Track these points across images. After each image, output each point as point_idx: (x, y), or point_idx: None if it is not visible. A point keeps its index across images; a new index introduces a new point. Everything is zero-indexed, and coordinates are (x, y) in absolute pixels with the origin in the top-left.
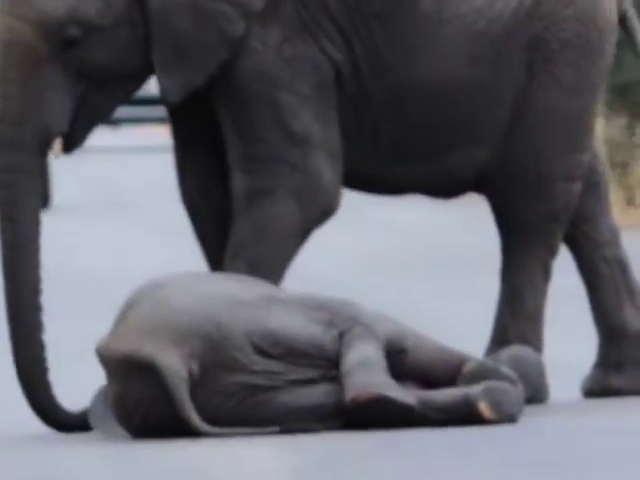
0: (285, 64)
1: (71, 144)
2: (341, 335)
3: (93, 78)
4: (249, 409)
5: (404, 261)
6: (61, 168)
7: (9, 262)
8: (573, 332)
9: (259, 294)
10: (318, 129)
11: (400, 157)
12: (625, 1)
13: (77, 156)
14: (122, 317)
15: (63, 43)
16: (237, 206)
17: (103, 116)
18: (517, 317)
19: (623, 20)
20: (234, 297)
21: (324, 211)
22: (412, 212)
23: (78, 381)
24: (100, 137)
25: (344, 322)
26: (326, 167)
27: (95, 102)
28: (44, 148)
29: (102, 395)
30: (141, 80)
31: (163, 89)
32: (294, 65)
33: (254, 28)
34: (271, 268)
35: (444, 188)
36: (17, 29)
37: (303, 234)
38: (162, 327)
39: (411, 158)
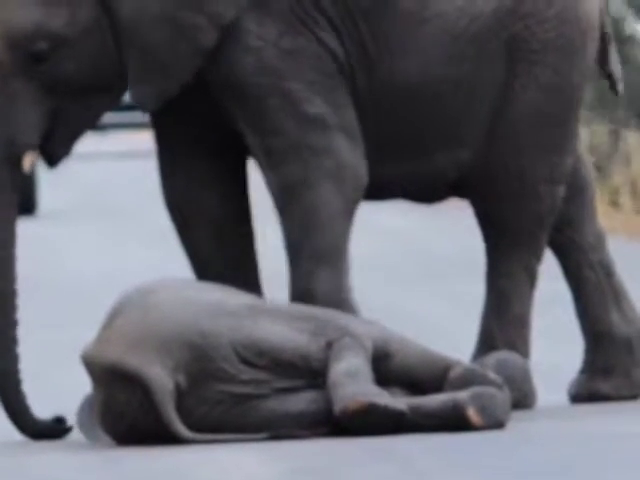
0: (287, 55)
1: (53, 157)
2: (329, 345)
3: (65, 91)
4: (236, 416)
5: (390, 265)
6: (47, 174)
7: None
8: (560, 337)
9: (244, 303)
10: (330, 111)
11: (383, 157)
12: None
13: (63, 162)
14: (108, 324)
15: (31, 57)
16: (278, 204)
17: (84, 127)
18: (503, 322)
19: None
20: (220, 307)
21: (357, 187)
22: (398, 216)
23: (64, 387)
24: (86, 143)
25: (332, 332)
26: (346, 146)
27: (72, 114)
28: (13, 161)
29: (88, 402)
30: (118, 90)
31: (137, 99)
32: (296, 56)
33: (250, 26)
34: (334, 255)
35: (426, 191)
36: None
37: (349, 214)
38: (148, 337)
39: (395, 158)
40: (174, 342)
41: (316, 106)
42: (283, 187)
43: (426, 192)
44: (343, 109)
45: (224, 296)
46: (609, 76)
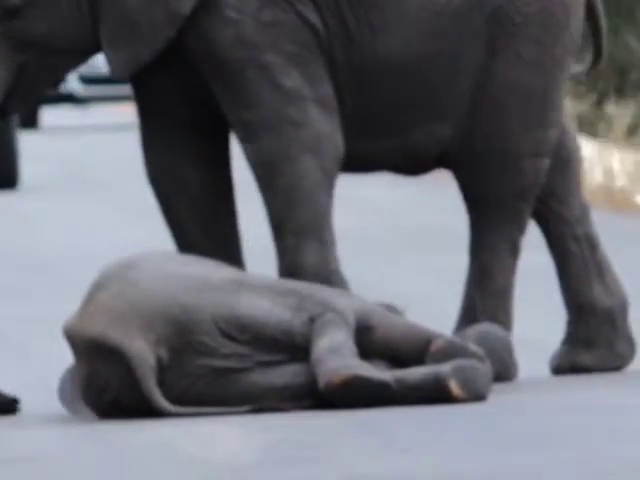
0: (266, 28)
1: (3, 114)
2: (311, 320)
3: (34, 50)
4: (218, 390)
5: (371, 238)
6: (28, 147)
7: None
8: (542, 309)
9: (227, 278)
10: (308, 83)
11: (365, 132)
12: None
13: (45, 135)
14: (90, 297)
15: (4, 12)
16: (258, 178)
17: (45, 87)
18: (486, 295)
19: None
20: (202, 281)
21: (336, 158)
22: (379, 189)
23: (46, 360)
24: (69, 116)
25: (314, 307)
26: (323, 117)
27: (34, 75)
28: None
29: (70, 376)
30: (83, 55)
31: (111, 64)
32: (275, 28)
33: None
34: (318, 227)
35: (410, 164)
36: None
37: (329, 185)
38: (130, 311)
39: (376, 133)
40: (156, 316)
41: (293, 79)
42: (263, 161)
43: (409, 165)
44: (320, 81)
45: (207, 270)
46: (597, 49)
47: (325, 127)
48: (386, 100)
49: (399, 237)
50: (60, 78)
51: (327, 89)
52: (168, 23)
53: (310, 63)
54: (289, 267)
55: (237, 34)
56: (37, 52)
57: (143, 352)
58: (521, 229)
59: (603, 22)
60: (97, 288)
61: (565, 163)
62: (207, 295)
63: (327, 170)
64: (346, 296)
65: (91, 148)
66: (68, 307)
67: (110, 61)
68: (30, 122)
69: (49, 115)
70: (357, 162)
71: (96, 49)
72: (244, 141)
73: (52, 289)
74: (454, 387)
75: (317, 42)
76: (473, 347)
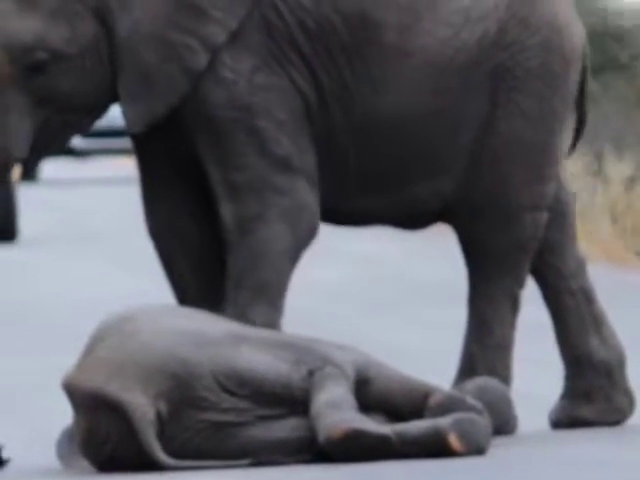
0: (259, 91)
1: (25, 172)
2: (310, 374)
3: (55, 106)
4: (218, 444)
5: (370, 292)
6: (28, 200)
7: None
8: (541, 363)
9: (226, 332)
10: (296, 153)
11: (367, 189)
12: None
13: (44, 188)
14: (89, 351)
15: (29, 68)
16: (230, 236)
17: (58, 146)
18: (485, 348)
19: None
20: (201, 334)
21: (311, 230)
22: (379, 243)
23: (42, 414)
24: (67, 169)
25: (313, 361)
26: (307, 189)
27: (53, 131)
28: (4, 172)
29: (68, 433)
30: (100, 112)
31: (128, 119)
32: (267, 92)
33: (225, 58)
34: (274, 291)
35: (410, 219)
36: None
37: (296, 255)
38: (129, 364)
39: (378, 190)
40: (155, 370)
41: (283, 147)
42: (237, 220)
43: (409, 219)
44: (306, 153)
45: (205, 324)
46: (580, 109)
47: (308, 199)
48: (388, 156)
49: (399, 291)
50: (78, 133)
51: (312, 161)
52: (183, 78)
53: (300, 133)
54: (235, 318)
55: (229, 94)
56: (59, 108)
57: (142, 406)
58: (520, 283)
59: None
60: (96, 341)
61: (561, 216)
62: (206, 350)
63: (299, 240)
64: (345, 349)
65: (90, 201)
66: (67, 360)
67: (126, 114)
68: (30, 175)
69: (49, 168)
70: (358, 217)
71: (108, 105)
72: (224, 199)
73: (51, 341)
74: (454, 441)
75: (306, 109)
76: (472, 401)
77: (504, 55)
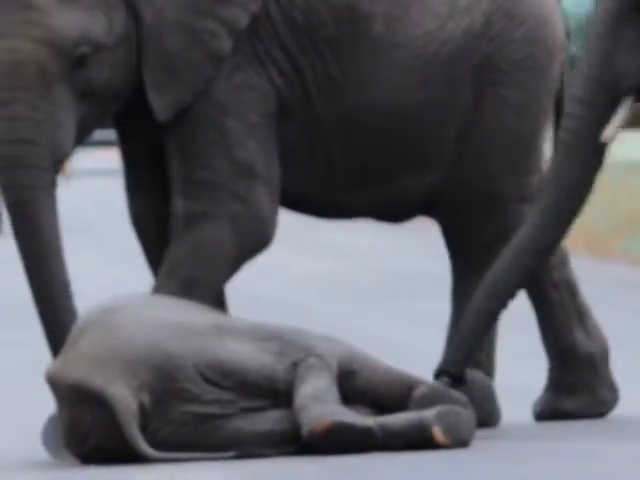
0: (235, 91)
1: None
2: (294, 365)
3: (94, 99)
4: (201, 436)
5: (356, 284)
6: None
7: (34, 275)
8: (523, 354)
9: (210, 323)
10: (262, 160)
11: (353, 182)
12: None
13: None
14: (72, 344)
15: (74, 62)
16: (175, 227)
17: (86, 137)
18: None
19: None
20: (184, 326)
21: (259, 242)
22: (364, 235)
23: (30, 406)
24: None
25: (297, 352)
26: (266, 199)
27: (89, 125)
28: (57, 166)
29: (52, 422)
30: (124, 102)
31: (156, 107)
32: (243, 93)
33: None
34: (203, 290)
35: (395, 211)
36: (26, 49)
37: (237, 262)
38: (112, 357)
39: (363, 182)
40: (138, 362)
41: (248, 152)
42: (186, 214)
43: (394, 213)
44: (271, 161)
45: (188, 315)
46: (559, 99)
47: (264, 211)
48: (374, 149)
49: (384, 283)
50: (100, 124)
51: (276, 171)
52: (208, 64)
53: (267, 140)
54: None
55: (206, 91)
56: (97, 101)
57: (125, 398)
58: None
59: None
60: (79, 334)
61: None
62: (189, 341)
63: (242, 249)
64: (329, 341)
65: (76, 193)
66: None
67: (155, 104)
68: None
69: None
70: (343, 210)
71: (133, 94)
72: (179, 194)
73: (35, 334)
74: (437, 433)
75: (288, 106)
76: (456, 393)
77: (489, 47)
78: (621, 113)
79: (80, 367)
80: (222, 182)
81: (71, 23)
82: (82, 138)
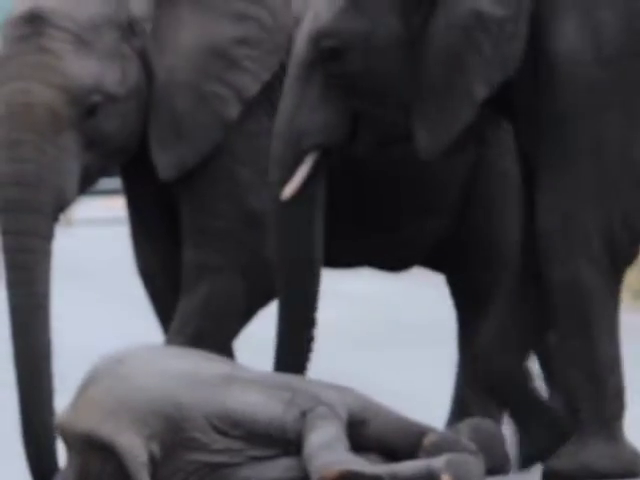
0: (248, 139)
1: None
2: (303, 414)
3: (99, 150)
4: None
5: (364, 332)
6: None
7: (21, 326)
8: None
9: (220, 373)
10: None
11: (357, 231)
12: None
13: None
14: (81, 393)
15: (85, 110)
16: (186, 279)
17: (89, 187)
18: (476, 388)
19: None
20: (194, 376)
21: (269, 292)
22: (373, 283)
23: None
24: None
25: (307, 401)
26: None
27: (91, 175)
28: (58, 214)
29: (64, 473)
30: (128, 156)
31: (158, 165)
32: (257, 140)
33: None
34: (212, 345)
35: (398, 260)
36: (37, 93)
37: (247, 314)
38: (122, 406)
39: (368, 231)
40: (148, 412)
41: (261, 201)
42: (197, 266)
43: (396, 261)
44: None
45: (198, 365)
46: None
47: (274, 262)
48: (383, 199)
49: (393, 331)
50: (101, 177)
51: None
52: (215, 128)
53: None
54: None
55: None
56: (102, 151)
57: (135, 448)
58: None
59: None
60: (89, 383)
61: None
62: (199, 391)
63: (252, 301)
64: (339, 390)
65: (82, 241)
66: (58, 400)
67: (158, 162)
68: None
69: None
70: (345, 258)
71: (136, 149)
72: (189, 244)
73: None
74: None
75: None
76: (465, 441)
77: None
78: (303, 169)
79: (90, 416)
80: (233, 231)
81: (86, 71)
82: (83, 188)
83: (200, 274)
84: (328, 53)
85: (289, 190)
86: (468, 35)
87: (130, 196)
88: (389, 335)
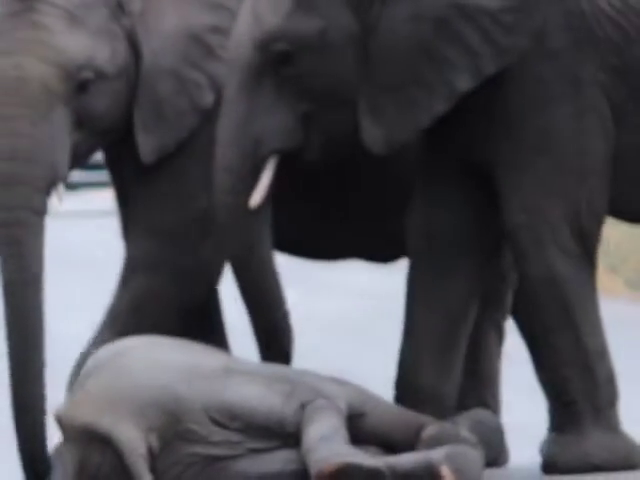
0: (209, 140)
1: None
2: (302, 406)
3: (89, 128)
4: (210, 477)
5: (358, 324)
6: None
7: (13, 301)
8: (531, 394)
9: (219, 365)
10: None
11: (347, 221)
12: None
13: None
14: (81, 385)
15: (77, 86)
16: (122, 272)
17: (77, 166)
18: (473, 380)
19: None
20: (193, 368)
21: (200, 295)
22: (364, 275)
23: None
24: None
25: (306, 394)
26: (217, 254)
27: (79, 154)
28: (51, 189)
29: (60, 461)
30: (116, 136)
31: (142, 149)
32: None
33: None
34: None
35: (386, 251)
36: (32, 68)
37: (180, 314)
38: (121, 399)
39: (358, 222)
40: (147, 405)
41: (210, 202)
42: (135, 260)
43: (385, 253)
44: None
45: (197, 357)
46: None
47: (214, 265)
48: (370, 189)
49: (385, 323)
50: (90, 155)
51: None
52: (192, 114)
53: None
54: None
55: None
56: (91, 130)
57: (134, 440)
58: (503, 312)
59: None
60: (88, 375)
61: None
62: (198, 384)
63: (183, 301)
64: (338, 382)
65: (79, 232)
66: (51, 393)
67: (141, 144)
68: None
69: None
70: (335, 250)
71: (123, 131)
72: (132, 240)
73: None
74: (446, 473)
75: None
76: (465, 433)
77: None
78: (267, 176)
79: (88, 409)
80: (176, 230)
81: (78, 46)
82: (72, 167)
83: (135, 269)
84: (278, 57)
85: (256, 198)
86: (444, 26)
87: (117, 187)
88: (386, 327)
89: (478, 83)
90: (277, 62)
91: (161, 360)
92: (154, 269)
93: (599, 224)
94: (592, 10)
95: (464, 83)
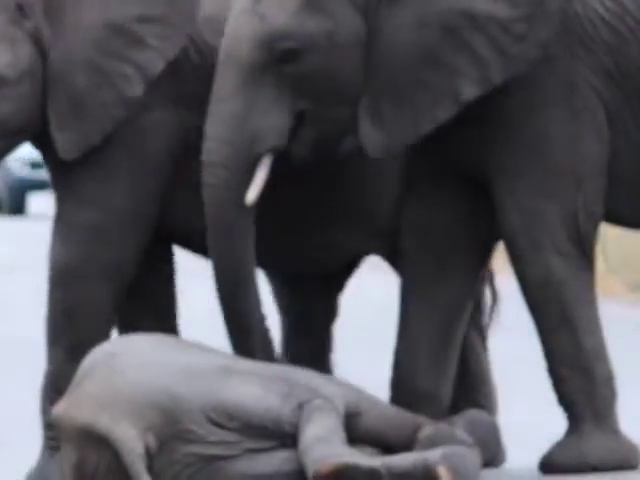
0: (136, 132)
1: None
2: (300, 406)
3: None
4: (207, 477)
5: (355, 325)
6: (16, 233)
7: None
8: (528, 395)
9: (216, 364)
10: (142, 207)
11: (289, 230)
12: None
13: (31, 221)
14: (77, 385)
15: None
16: (53, 278)
17: None
18: (464, 382)
19: None
20: (190, 368)
21: (121, 292)
22: (364, 276)
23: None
24: (37, 201)
25: (303, 394)
26: (138, 248)
27: None
28: None
29: (57, 461)
30: (27, 137)
31: (60, 146)
32: (146, 134)
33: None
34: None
35: (326, 262)
36: None
37: (116, 312)
38: (118, 399)
39: (299, 230)
40: (145, 405)
41: (137, 199)
42: (65, 267)
43: (326, 264)
44: (150, 204)
45: (195, 356)
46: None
47: (130, 267)
48: (314, 197)
49: (383, 324)
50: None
51: (155, 213)
52: (117, 104)
53: (159, 183)
54: (50, 376)
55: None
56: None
57: (131, 440)
58: (481, 311)
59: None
60: (85, 375)
61: None
62: (195, 383)
63: (118, 301)
64: (335, 383)
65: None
66: (9, 390)
67: (58, 142)
68: (18, 209)
69: (36, 202)
70: (274, 260)
71: (41, 131)
72: (59, 240)
73: (11, 377)
74: (443, 474)
75: None
76: (461, 434)
77: None
78: (262, 173)
79: (86, 409)
80: (102, 227)
81: None
82: None
83: (66, 279)
84: (283, 55)
85: (252, 195)
86: (452, 34)
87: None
88: (383, 328)
89: (485, 92)
90: (281, 60)
91: (159, 360)
92: (85, 280)
93: (595, 226)
94: (586, 13)
95: (471, 92)
